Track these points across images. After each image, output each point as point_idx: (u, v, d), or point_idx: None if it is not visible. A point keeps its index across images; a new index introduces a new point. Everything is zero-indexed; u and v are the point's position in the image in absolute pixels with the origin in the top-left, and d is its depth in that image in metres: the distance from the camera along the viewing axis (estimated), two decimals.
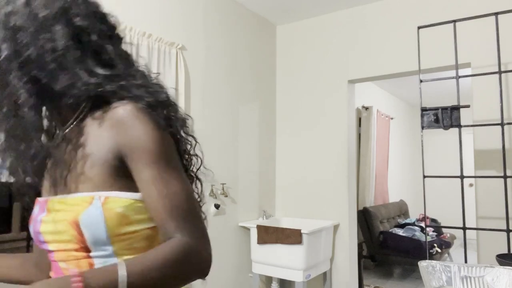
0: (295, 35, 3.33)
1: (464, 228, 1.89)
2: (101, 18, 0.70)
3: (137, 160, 0.64)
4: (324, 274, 3.02)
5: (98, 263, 0.65)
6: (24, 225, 1.95)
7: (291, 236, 2.57)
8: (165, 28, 2.33)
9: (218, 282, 2.67)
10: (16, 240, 1.93)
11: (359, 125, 4.98)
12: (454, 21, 2.03)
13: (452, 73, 2.06)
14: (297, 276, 2.58)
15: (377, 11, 2.92)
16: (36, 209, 0.72)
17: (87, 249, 0.65)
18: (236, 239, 2.86)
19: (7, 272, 0.80)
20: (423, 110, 2.00)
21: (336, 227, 3.10)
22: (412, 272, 4.63)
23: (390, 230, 4.69)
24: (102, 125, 0.66)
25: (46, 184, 0.73)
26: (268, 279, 3.08)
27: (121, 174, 0.66)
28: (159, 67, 2.24)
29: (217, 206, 2.63)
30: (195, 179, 0.79)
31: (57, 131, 0.75)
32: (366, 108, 5.00)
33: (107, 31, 0.70)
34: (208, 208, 2.62)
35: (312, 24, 3.23)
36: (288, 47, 3.37)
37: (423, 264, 1.11)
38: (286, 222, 3.22)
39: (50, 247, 0.69)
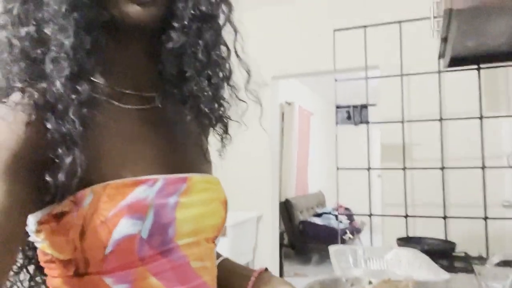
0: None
1: (370, 215, 2.10)
2: None
3: None
4: (247, 264, 3.10)
5: None
6: None
7: None
8: None
9: None
10: None
11: (282, 119, 5.18)
12: (365, 26, 2.21)
13: (364, 74, 2.24)
14: None
15: (298, 11, 3.06)
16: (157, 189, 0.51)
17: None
18: None
19: None
20: (338, 107, 2.16)
21: (259, 218, 3.21)
22: (328, 257, 4.93)
23: (308, 220, 4.97)
24: None
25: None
26: None
27: None
28: None
29: None
30: None
31: None
32: (289, 104, 5.21)
33: None
34: None
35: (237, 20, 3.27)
36: None
37: (333, 249, 1.22)
38: None
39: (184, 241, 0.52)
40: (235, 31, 0.62)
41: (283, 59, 3.12)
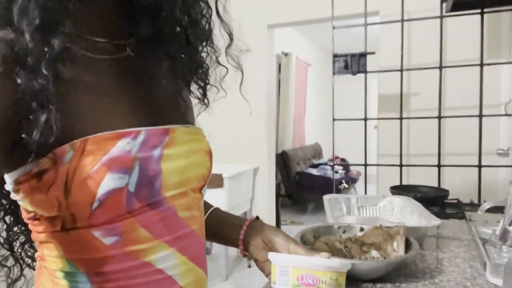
0: None
1: (365, 165, 2.12)
2: None
3: None
4: (245, 214, 3.19)
5: None
6: None
7: (212, 181, 2.64)
8: None
9: None
10: None
11: (279, 71, 5.07)
12: None
13: (363, 20, 2.15)
14: None
15: None
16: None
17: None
18: None
19: None
20: (335, 56, 2.09)
21: (256, 170, 3.24)
22: (323, 206, 5.11)
23: (305, 171, 5.04)
24: None
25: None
26: None
27: None
28: None
29: None
30: None
31: None
32: (286, 54, 5.07)
33: None
34: None
35: None
36: None
37: (327, 198, 1.23)
38: None
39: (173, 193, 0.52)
40: None
41: (279, 7, 2.98)
